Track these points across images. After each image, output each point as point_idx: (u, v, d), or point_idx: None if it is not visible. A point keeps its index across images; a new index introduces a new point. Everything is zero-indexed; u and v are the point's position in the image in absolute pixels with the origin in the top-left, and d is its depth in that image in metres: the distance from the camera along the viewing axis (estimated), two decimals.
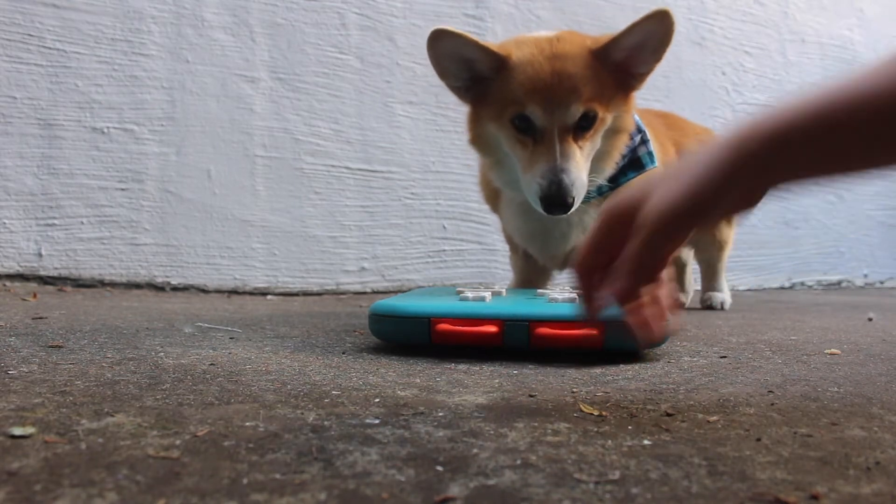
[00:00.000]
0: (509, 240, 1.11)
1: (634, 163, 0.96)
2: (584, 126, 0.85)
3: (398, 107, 1.72)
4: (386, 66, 1.71)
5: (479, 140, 0.93)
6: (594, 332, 0.63)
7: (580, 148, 0.85)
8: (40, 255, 1.40)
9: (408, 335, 0.67)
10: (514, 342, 0.64)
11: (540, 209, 0.85)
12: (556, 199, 0.83)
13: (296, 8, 1.62)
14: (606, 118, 0.87)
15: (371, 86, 1.69)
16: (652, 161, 0.97)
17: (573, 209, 0.85)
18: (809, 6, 2.42)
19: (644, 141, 0.96)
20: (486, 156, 0.94)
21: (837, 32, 2.49)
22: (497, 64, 0.86)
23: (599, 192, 0.96)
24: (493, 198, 1.05)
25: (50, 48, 1.41)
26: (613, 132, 0.90)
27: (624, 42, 0.84)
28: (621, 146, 0.93)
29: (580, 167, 0.85)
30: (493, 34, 1.80)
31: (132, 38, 1.47)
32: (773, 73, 2.35)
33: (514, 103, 0.85)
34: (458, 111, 1.78)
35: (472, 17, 1.79)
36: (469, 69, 0.88)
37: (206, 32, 1.54)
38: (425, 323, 0.65)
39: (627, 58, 0.87)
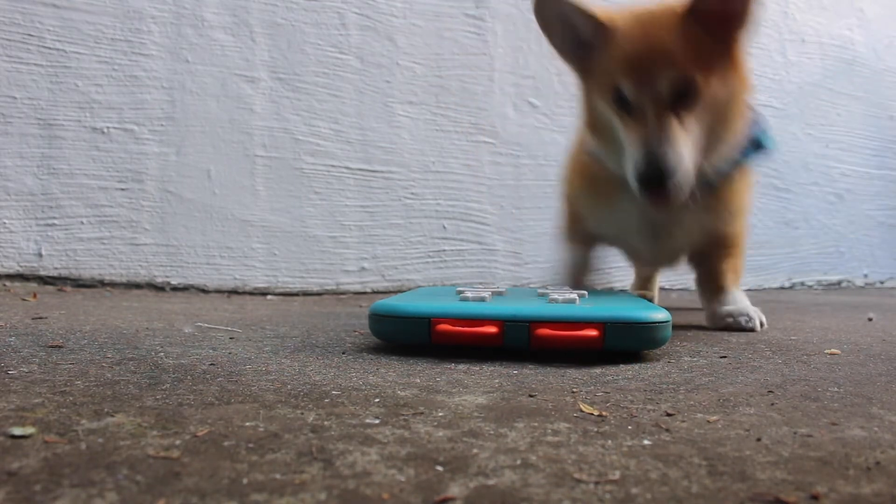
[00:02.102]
0: (573, 226, 1.01)
1: (753, 143, 0.87)
2: (683, 99, 0.77)
3: (398, 107, 1.72)
4: (386, 66, 1.71)
5: (594, 123, 0.86)
6: (594, 332, 0.63)
7: (682, 124, 0.76)
8: (40, 255, 1.40)
9: (408, 335, 0.67)
10: (514, 342, 0.64)
11: (640, 196, 0.77)
12: (653, 175, 0.74)
13: (296, 8, 1.62)
14: (709, 88, 0.78)
15: (371, 86, 1.69)
16: (771, 142, 0.89)
17: (677, 193, 0.75)
18: (809, 6, 2.42)
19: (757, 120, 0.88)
20: (603, 144, 0.86)
21: (837, 32, 2.49)
22: (599, 31, 0.81)
23: (721, 176, 0.87)
24: (587, 193, 0.95)
25: (50, 48, 1.41)
26: (724, 104, 0.80)
27: None
28: (737, 123, 0.82)
29: (680, 144, 0.75)
30: (494, 34, 1.79)
31: (132, 38, 1.47)
32: (773, 73, 2.35)
33: (610, 76, 0.80)
34: (458, 111, 1.79)
35: (473, 17, 1.78)
36: (575, 34, 0.84)
37: (206, 32, 1.54)
38: (425, 323, 0.65)
39: (721, 5, 0.78)
